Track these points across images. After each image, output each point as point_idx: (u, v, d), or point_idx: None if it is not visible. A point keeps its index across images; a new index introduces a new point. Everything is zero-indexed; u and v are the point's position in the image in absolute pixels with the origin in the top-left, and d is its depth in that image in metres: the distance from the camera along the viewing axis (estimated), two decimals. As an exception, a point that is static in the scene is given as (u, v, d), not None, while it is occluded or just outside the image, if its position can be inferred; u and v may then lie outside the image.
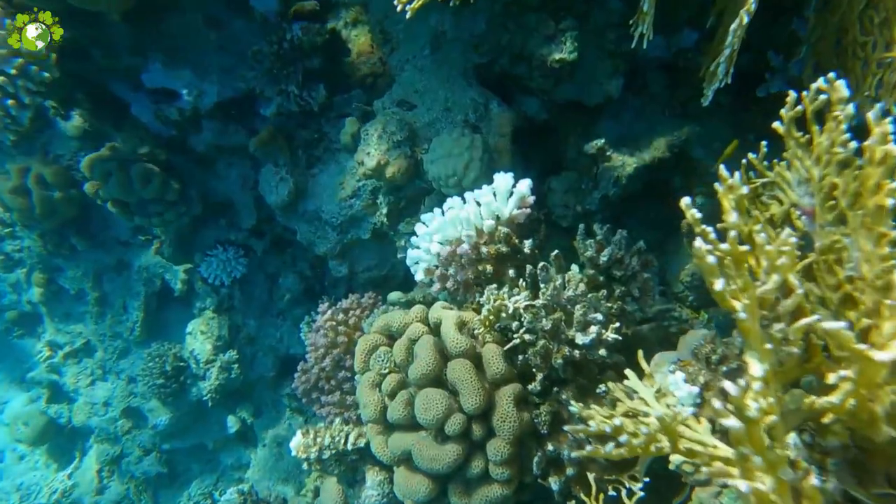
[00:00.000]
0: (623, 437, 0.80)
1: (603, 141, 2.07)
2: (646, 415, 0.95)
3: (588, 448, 0.86)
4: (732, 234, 0.75)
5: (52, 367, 3.87)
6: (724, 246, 0.76)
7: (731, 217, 0.78)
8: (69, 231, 3.30)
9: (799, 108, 0.94)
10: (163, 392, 3.39)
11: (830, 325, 0.69)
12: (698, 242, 0.78)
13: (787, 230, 0.80)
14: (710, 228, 0.85)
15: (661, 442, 0.81)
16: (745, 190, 0.84)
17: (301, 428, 1.74)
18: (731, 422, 0.64)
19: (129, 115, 2.77)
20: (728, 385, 0.65)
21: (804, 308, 0.82)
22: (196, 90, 2.62)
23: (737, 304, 0.78)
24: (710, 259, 0.74)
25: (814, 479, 0.73)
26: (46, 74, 2.39)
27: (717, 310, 2.07)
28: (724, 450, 0.83)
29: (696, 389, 1.29)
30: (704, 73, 1.50)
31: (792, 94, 0.94)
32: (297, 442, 1.72)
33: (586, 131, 2.19)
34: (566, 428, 0.96)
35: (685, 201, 0.90)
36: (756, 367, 0.73)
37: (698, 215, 0.89)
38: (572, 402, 1.11)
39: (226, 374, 3.29)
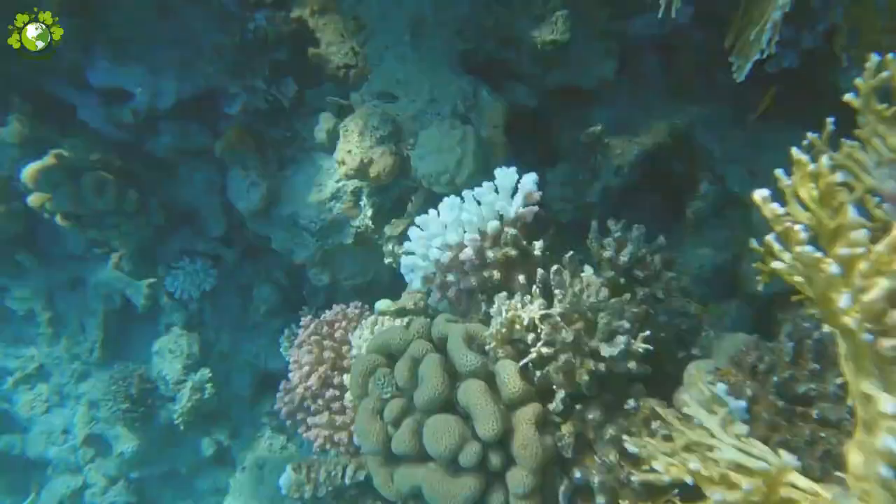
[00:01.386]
0: (717, 496, 0.64)
1: (600, 128, 1.93)
2: (711, 448, 0.80)
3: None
4: (857, 234, 0.60)
5: (1, 395, 3.56)
6: (843, 251, 0.60)
7: (849, 213, 0.63)
8: (14, 248, 3.01)
9: (884, 74, 0.79)
10: (129, 416, 3.14)
11: None
12: (802, 248, 0.63)
13: (898, 225, 0.66)
14: (799, 227, 0.70)
15: (758, 496, 0.66)
16: (839, 177, 0.69)
17: (291, 463, 1.54)
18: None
19: (76, 118, 2.50)
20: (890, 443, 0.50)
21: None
22: (151, 89, 2.38)
23: (851, 322, 0.63)
24: (833, 269, 0.59)
25: None
26: (-25, 75, 2.13)
27: (727, 304, 1.95)
28: (827, 497, 0.69)
29: (742, 404, 1.15)
30: (736, 42, 1.35)
31: (873, 58, 0.79)
32: (287, 480, 1.52)
33: (580, 119, 2.05)
34: (635, 478, 0.81)
35: (761, 194, 0.74)
36: (888, 403, 0.58)
37: (780, 211, 0.74)
38: (627, 438, 0.95)
39: (199, 394, 3.07)
